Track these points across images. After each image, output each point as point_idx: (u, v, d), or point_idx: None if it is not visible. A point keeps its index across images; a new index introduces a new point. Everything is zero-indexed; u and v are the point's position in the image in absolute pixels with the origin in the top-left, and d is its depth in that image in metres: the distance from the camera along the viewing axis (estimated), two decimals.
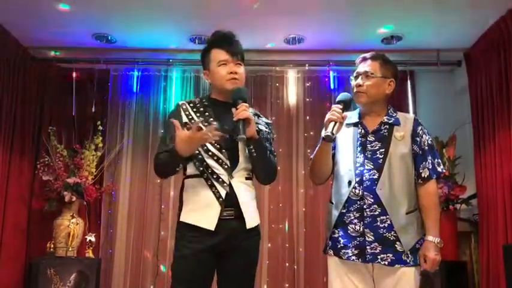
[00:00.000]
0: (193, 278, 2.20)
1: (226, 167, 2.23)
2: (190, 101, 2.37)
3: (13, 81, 4.38)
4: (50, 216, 4.43)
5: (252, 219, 2.27)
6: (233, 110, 2.19)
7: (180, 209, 2.28)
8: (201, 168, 2.22)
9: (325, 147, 2.36)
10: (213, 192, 2.20)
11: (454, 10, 3.90)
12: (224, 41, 2.35)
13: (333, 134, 2.23)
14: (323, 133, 2.27)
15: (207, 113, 2.29)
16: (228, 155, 2.23)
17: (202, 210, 2.20)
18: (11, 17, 4.06)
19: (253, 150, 2.24)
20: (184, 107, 2.32)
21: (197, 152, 2.21)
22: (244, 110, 2.17)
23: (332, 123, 2.25)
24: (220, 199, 2.19)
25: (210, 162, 2.22)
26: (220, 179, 2.21)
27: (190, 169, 2.28)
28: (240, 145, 2.26)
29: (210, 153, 2.22)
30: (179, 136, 2.08)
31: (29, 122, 4.58)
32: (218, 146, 2.22)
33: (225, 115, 2.25)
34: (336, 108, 2.29)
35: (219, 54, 2.32)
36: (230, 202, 2.21)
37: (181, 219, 2.25)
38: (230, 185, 2.22)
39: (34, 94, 4.67)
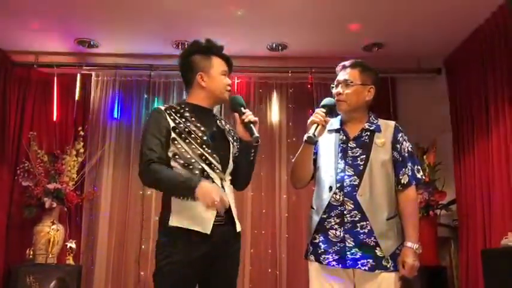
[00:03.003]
0: (184, 285, 2.18)
1: (218, 171, 2.24)
2: (171, 106, 2.33)
3: None
4: (29, 223, 4.36)
5: (239, 223, 2.31)
6: (235, 115, 2.26)
7: (168, 213, 2.20)
8: (197, 172, 2.20)
9: (307, 149, 2.38)
10: None
11: (434, 18, 3.97)
12: (223, 53, 2.40)
13: (314, 136, 2.25)
14: (305, 136, 2.29)
15: (193, 119, 2.28)
16: (219, 160, 2.25)
17: (197, 214, 2.16)
18: None
19: (252, 154, 2.32)
20: (168, 111, 2.29)
21: (189, 156, 2.20)
22: (251, 114, 2.26)
23: (314, 126, 2.27)
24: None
25: (204, 166, 2.22)
26: (214, 183, 2.21)
27: (182, 173, 2.23)
28: (231, 149, 2.33)
29: (203, 157, 2.22)
30: (211, 190, 2.06)
31: (9, 127, 4.52)
32: (210, 150, 2.23)
33: (208, 121, 2.31)
34: (319, 111, 2.32)
35: (222, 64, 2.37)
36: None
37: (171, 224, 2.17)
38: (222, 189, 2.23)
39: (14, 99, 4.62)
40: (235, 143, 2.38)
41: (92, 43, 4.48)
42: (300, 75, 4.96)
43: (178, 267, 2.15)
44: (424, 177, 2.45)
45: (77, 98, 4.83)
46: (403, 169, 2.35)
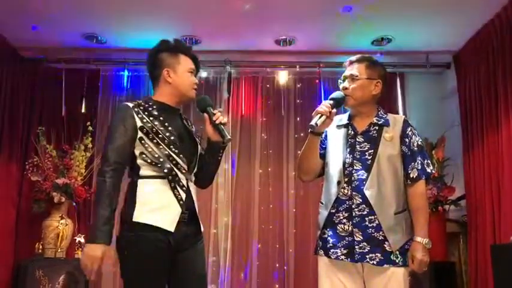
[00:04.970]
0: (154, 279, 2.17)
1: (184, 171, 2.26)
2: (139, 104, 2.30)
3: (2, 81, 4.34)
4: (38, 217, 4.38)
5: (201, 222, 2.35)
6: (205, 115, 2.34)
7: (132, 208, 2.19)
8: (165, 171, 2.21)
9: (312, 140, 2.39)
10: (175, 194, 2.21)
11: (443, 12, 3.94)
12: (191, 52, 2.43)
13: (316, 124, 2.27)
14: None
15: (161, 118, 2.28)
16: (186, 160, 2.27)
17: (162, 212, 2.18)
18: (0, 16, 4.03)
19: (220, 154, 2.39)
20: (136, 109, 2.26)
21: (156, 155, 2.20)
22: (221, 116, 2.32)
23: (318, 116, 2.29)
24: (181, 202, 2.22)
25: (171, 166, 2.23)
26: (181, 183, 2.24)
27: (148, 171, 2.22)
28: (198, 150, 2.38)
29: (171, 158, 2.23)
30: (93, 257, 2.08)
31: (18, 122, 4.53)
32: (177, 151, 2.24)
33: (174, 120, 2.34)
34: (326, 102, 2.34)
35: (189, 62, 2.39)
36: (187, 205, 2.24)
37: (136, 220, 2.16)
38: (188, 189, 2.27)
39: (23, 94, 4.63)
40: (201, 144, 2.43)
41: (100, 38, 4.48)
42: (308, 69, 4.95)
43: (146, 264, 2.14)
44: (434, 171, 2.43)
45: (85, 93, 4.84)
46: (412, 163, 2.34)
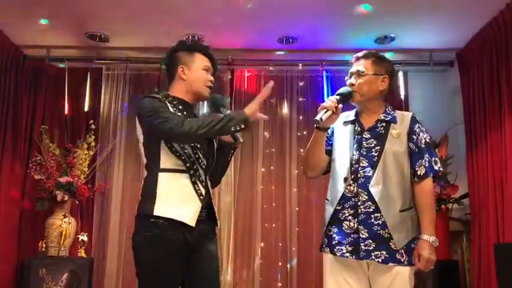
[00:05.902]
0: (170, 281, 2.17)
1: (204, 167, 2.27)
2: (161, 98, 2.31)
3: (5, 80, 4.36)
4: (41, 216, 4.39)
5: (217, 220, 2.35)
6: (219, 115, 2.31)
7: (151, 202, 2.16)
8: (188, 164, 2.22)
9: (317, 135, 2.38)
10: (195, 189, 2.21)
11: (446, 10, 3.93)
12: (208, 52, 2.45)
13: (321, 119, 2.26)
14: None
15: (184, 112, 2.30)
16: (205, 155, 2.28)
17: (183, 206, 2.17)
18: (3, 15, 4.03)
19: (231, 155, 2.39)
20: (165, 99, 2.29)
21: (181, 146, 2.21)
22: None
23: (323, 111, 2.28)
24: (201, 197, 2.22)
25: (194, 159, 2.24)
26: (201, 178, 2.25)
27: (170, 163, 2.21)
28: (216, 146, 2.38)
29: (195, 151, 2.25)
30: (257, 105, 2.22)
31: (21, 120, 4.54)
32: (198, 145, 2.25)
33: (192, 116, 2.36)
34: (332, 97, 2.32)
35: (204, 60, 2.41)
36: (206, 202, 2.24)
37: (157, 213, 2.13)
38: (207, 184, 2.28)
39: (26, 93, 4.64)
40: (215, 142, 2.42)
41: (102, 37, 4.49)
42: (311, 68, 4.94)
43: (163, 266, 2.13)
44: (441, 168, 2.41)
45: (88, 91, 4.84)
46: (420, 160, 2.32)
